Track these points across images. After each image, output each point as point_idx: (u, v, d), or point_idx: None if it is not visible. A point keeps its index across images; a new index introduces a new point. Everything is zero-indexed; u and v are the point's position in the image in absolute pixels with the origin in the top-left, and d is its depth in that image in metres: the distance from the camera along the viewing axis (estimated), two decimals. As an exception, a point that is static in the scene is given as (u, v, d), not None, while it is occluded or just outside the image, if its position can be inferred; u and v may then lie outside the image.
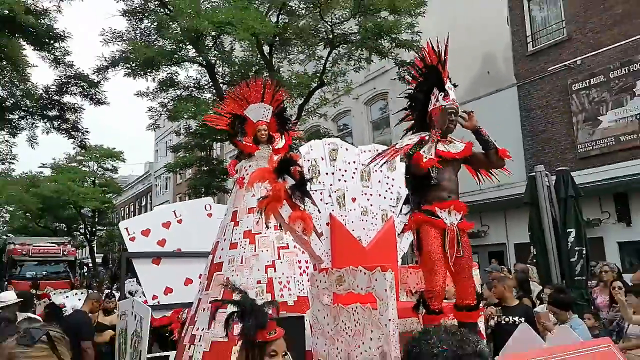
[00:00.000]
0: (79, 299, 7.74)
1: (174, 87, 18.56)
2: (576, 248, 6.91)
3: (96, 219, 33.92)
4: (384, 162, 3.47)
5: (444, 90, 3.25)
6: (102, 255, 34.72)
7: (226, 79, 18.01)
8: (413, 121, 3.53)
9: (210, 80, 17.67)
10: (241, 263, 4.42)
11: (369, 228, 3.98)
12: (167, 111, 18.63)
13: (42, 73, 38.55)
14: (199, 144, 20.68)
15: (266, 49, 16.27)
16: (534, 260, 7.57)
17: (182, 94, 18.59)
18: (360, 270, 3.01)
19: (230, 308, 2.45)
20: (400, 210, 4.15)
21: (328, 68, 16.45)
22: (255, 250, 4.44)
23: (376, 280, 2.86)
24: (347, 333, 3.09)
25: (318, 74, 16.55)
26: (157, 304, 5.49)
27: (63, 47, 18.43)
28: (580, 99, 12.05)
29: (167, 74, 18.17)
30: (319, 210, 3.72)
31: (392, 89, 17.00)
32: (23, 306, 7.16)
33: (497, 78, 14.06)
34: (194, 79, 18.92)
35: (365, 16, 15.21)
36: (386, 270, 2.86)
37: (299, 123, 17.08)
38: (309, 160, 3.77)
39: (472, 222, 3.34)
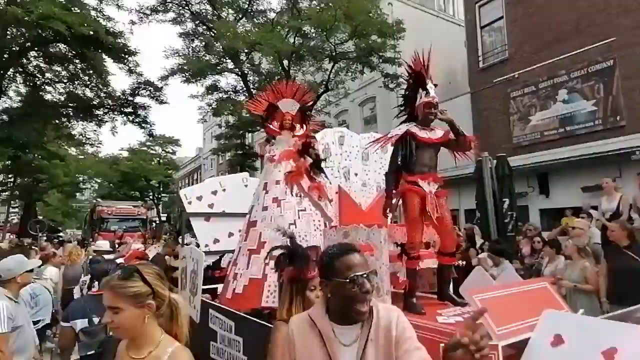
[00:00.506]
0: (158, 252, 8.09)
1: (217, 91, 19.00)
2: (509, 212, 7.23)
3: (161, 189, 34.90)
4: (379, 147, 3.52)
5: (426, 89, 3.24)
6: (165, 214, 35.76)
7: (255, 86, 18.40)
8: (406, 115, 3.46)
9: (244, 86, 18.05)
10: (270, 221, 4.47)
11: (367, 196, 4.07)
12: (212, 109, 19.11)
13: (119, 80, 39.18)
14: (235, 134, 21.21)
15: (285, 62, 16.56)
16: (478, 222, 7.66)
17: (223, 96, 19.02)
18: (361, 227, 3.13)
19: (279, 251, 2.30)
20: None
21: (331, 78, 16.72)
22: (281, 212, 4.48)
23: (373, 234, 2.99)
24: None
25: (324, 82, 16.86)
26: (208, 250, 5.69)
27: (134, 61, 18.98)
28: (517, 103, 12.23)
29: (212, 81, 18.66)
30: (330, 183, 3.83)
31: (379, 94, 17.26)
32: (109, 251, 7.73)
33: (456, 87, 14.21)
34: (231, 85, 19.32)
35: (360, 39, 15.41)
36: (381, 227, 3.05)
37: (310, 119, 17.40)
38: (322, 144, 3.91)
39: (445, 190, 3.29)
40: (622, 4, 10.03)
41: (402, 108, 3.49)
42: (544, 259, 5.55)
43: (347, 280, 1.42)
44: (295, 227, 4.33)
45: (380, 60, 15.55)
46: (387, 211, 3.24)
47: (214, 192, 6.22)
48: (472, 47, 13.49)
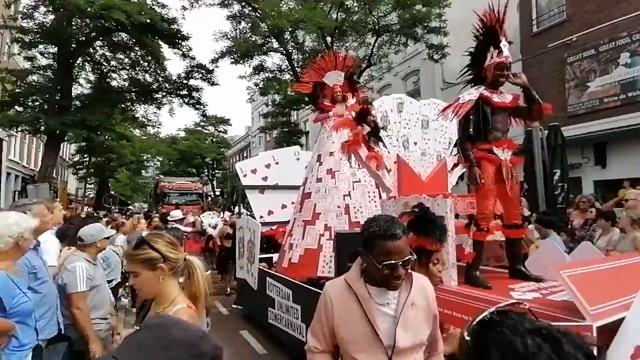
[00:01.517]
0: (212, 217, 8.77)
1: (263, 71, 19.01)
2: (559, 184, 6.82)
3: (214, 166, 36.23)
4: (453, 115, 2.96)
5: (499, 47, 2.88)
6: (219, 189, 37.21)
7: (300, 64, 18.20)
8: (472, 75, 3.14)
9: (289, 65, 17.91)
10: (325, 192, 4.42)
11: (426, 166, 3.83)
12: (259, 89, 19.22)
13: (174, 64, 40.52)
14: (281, 112, 21.29)
15: (328, 40, 16.16)
16: (525, 194, 7.11)
17: (269, 75, 19.01)
18: (424, 197, 2.89)
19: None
20: (451, 152, 3.96)
21: (374, 52, 16.14)
22: (335, 184, 4.40)
23: (438, 205, 2.76)
24: None
25: (367, 57, 16.31)
26: (263, 221, 5.82)
27: (187, 45, 19.30)
28: (574, 69, 11.19)
29: (259, 61, 18.67)
30: (388, 152, 3.58)
31: (423, 66, 16.49)
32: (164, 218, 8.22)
33: (506, 55, 13.20)
34: (277, 65, 19.24)
35: (404, 9, 14.63)
36: (447, 197, 2.82)
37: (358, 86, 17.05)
38: (381, 112, 3.60)
39: (519, 158, 3.03)
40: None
41: (467, 70, 3.15)
42: (596, 231, 5.21)
43: (381, 266, 1.40)
44: (350, 198, 4.32)
45: (425, 31, 14.75)
46: (478, 181, 2.83)
47: (268, 166, 6.29)
48: (525, 11, 12.41)
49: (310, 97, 5.26)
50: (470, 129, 2.92)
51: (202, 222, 8.77)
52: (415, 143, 3.80)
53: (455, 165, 3.89)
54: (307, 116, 24.52)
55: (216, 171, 37.05)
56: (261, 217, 6.01)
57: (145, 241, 1.63)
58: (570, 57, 11.22)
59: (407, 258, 1.42)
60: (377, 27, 15.55)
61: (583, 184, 10.73)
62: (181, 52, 19.42)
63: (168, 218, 7.31)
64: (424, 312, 1.51)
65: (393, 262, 1.39)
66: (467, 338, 0.74)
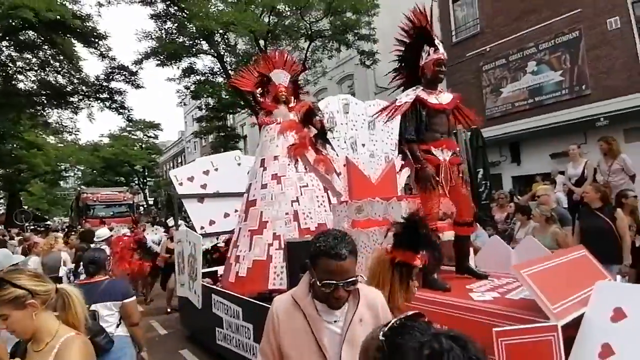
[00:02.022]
0: (155, 233, 7.95)
1: (194, 73, 18.09)
2: (483, 182, 7.23)
3: (146, 173, 33.74)
4: (388, 117, 2.96)
5: (434, 45, 2.83)
6: (152, 198, 34.76)
7: (233, 67, 17.61)
8: (404, 78, 3.08)
9: (221, 68, 17.23)
10: (271, 199, 4.15)
11: (375, 168, 3.70)
12: (191, 92, 18.25)
13: (92, 65, 37.10)
14: (216, 116, 20.46)
15: (262, 42, 15.84)
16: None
17: (201, 78, 18.15)
18: (378, 201, 2.85)
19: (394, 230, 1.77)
20: (398, 153, 3.74)
21: (308, 56, 16.14)
22: (282, 189, 4.15)
23: (392, 208, 2.75)
24: (366, 250, 2.95)
25: (301, 61, 16.22)
26: (204, 232, 5.40)
27: (106, 45, 17.81)
28: (489, 76, 12.15)
29: (188, 63, 17.71)
30: (336, 154, 3.41)
31: (357, 71, 16.86)
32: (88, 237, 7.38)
33: (430, 62, 13.94)
34: (208, 67, 18.42)
35: (335, 16, 14.84)
36: (401, 200, 2.78)
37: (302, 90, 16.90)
38: (327, 113, 3.42)
39: (459, 157, 2.99)
40: (589, -25, 9.88)
41: (397, 73, 3.11)
42: (516, 224, 5.53)
43: (321, 284, 1.35)
44: (299, 204, 4.09)
45: (356, 38, 15.07)
46: (427, 184, 2.79)
47: (206, 172, 5.82)
48: (445, 23, 13.20)
49: (247, 97, 4.95)
50: (411, 131, 2.88)
51: (145, 238, 7.94)
52: (363, 145, 3.67)
53: (402, 166, 3.90)
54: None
55: (148, 179, 34.50)
56: (202, 228, 5.53)
57: (5, 280, 1.50)
58: (485, 66, 12.16)
59: (349, 280, 1.36)
60: (309, 33, 15.57)
61: (503, 180, 11.67)
62: (99, 52, 17.83)
63: (95, 239, 6.42)
64: (374, 328, 1.38)
65: (334, 282, 1.34)
66: (382, 339, 0.78)
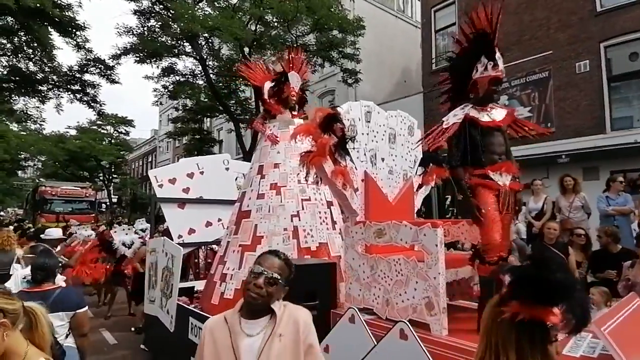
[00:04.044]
0: (126, 233, 6.88)
1: (173, 73, 17.08)
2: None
3: (112, 170, 31.37)
4: (434, 144, 2.47)
5: (494, 59, 2.40)
6: (117, 197, 32.37)
7: (215, 71, 16.79)
8: (451, 87, 2.62)
9: (202, 71, 16.35)
10: (269, 212, 3.58)
11: (393, 186, 3.24)
12: (168, 92, 17.20)
13: (67, 54, 34.57)
14: (192, 118, 19.42)
15: (246, 50, 15.19)
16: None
17: (180, 79, 17.15)
18: (405, 225, 2.40)
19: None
20: (416, 172, 3.46)
21: (291, 69, 15.68)
22: (281, 201, 3.60)
23: (424, 235, 2.28)
24: (386, 281, 2.50)
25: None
26: (182, 242, 4.67)
27: (83, 36, 16.44)
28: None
29: (169, 63, 16.70)
30: (355, 167, 2.93)
31: (339, 88, 16.59)
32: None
33: (411, 86, 13.96)
34: (189, 69, 17.44)
35: (321, 32, 14.54)
36: (437, 226, 2.26)
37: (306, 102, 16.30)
38: (348, 120, 2.92)
39: (520, 183, 2.56)
40: (561, 19, 10.16)
41: (447, 82, 2.61)
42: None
43: (250, 271, 1.50)
44: (299, 219, 3.47)
45: (340, 56, 14.77)
46: (477, 214, 2.34)
47: (190, 175, 5.04)
48: (426, 49, 13.20)
49: (256, 90, 4.35)
50: (460, 155, 2.41)
51: (111, 237, 6.88)
52: (383, 159, 3.17)
53: (420, 186, 3.45)
54: (220, 125, 22.80)
55: (114, 176, 31.98)
56: (180, 236, 4.72)
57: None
58: (461, 94, 12.20)
59: (272, 275, 1.46)
60: (295, 45, 15.11)
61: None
62: (75, 42, 16.43)
63: (42, 236, 5.42)
64: (293, 343, 1.47)
65: (260, 269, 1.47)
66: None
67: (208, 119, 22.24)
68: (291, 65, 4.00)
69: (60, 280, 2.98)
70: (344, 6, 14.59)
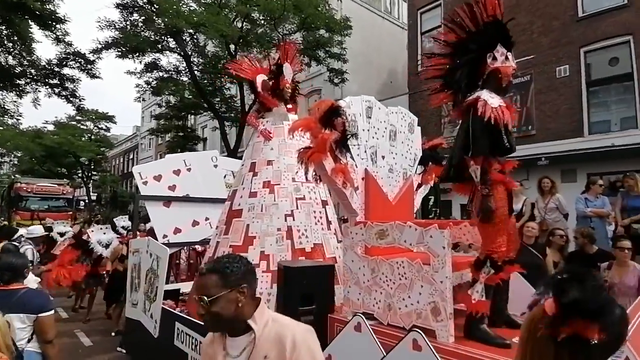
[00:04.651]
0: (104, 233, 6.40)
1: (157, 69, 16.53)
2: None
3: (92, 167, 30.17)
4: (489, 119, 2.07)
5: (511, 50, 2.24)
6: (96, 194, 31.18)
7: (200, 68, 16.34)
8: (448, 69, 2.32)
9: (187, 67, 15.87)
10: (261, 211, 3.36)
11: (393, 185, 3.07)
12: (152, 88, 16.64)
13: (46, 48, 33.11)
14: (176, 115, 18.86)
15: (232, 47, 14.83)
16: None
17: (164, 75, 16.61)
18: (410, 226, 2.23)
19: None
20: (415, 170, 3.31)
21: (278, 67, 15.43)
22: (274, 200, 3.38)
23: (431, 237, 2.11)
24: (388, 285, 2.34)
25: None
26: (167, 242, 4.37)
27: (63, 29, 15.79)
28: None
29: (152, 59, 16.14)
30: (355, 165, 2.74)
31: (325, 87, 16.42)
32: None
33: (396, 87, 13.92)
34: (173, 65, 16.93)
35: (308, 31, 14.33)
36: (444, 227, 2.11)
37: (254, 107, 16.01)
38: (349, 115, 2.73)
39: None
40: (544, 24, 10.28)
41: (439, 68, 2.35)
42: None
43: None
44: (293, 219, 3.26)
45: (327, 55, 14.61)
46: (491, 214, 2.10)
47: (177, 172, 4.74)
48: (412, 51, 13.19)
49: (250, 84, 4.12)
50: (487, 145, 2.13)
51: (89, 236, 6.44)
52: (383, 157, 2.99)
53: (419, 186, 3.31)
54: (205, 122, 22.24)
55: (93, 173, 30.71)
56: (165, 236, 4.41)
57: None
58: (446, 96, 12.23)
59: (204, 298, 1.28)
60: (281, 44, 14.86)
61: (452, 208, 11.67)
62: (55, 35, 15.72)
63: (25, 234, 5.03)
64: None
65: (196, 297, 1.33)
66: None
67: (192, 116, 21.67)
68: (286, 56, 3.78)
69: (31, 281, 2.84)
70: (331, 5, 14.42)
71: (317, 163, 2.46)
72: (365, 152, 2.86)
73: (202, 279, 1.31)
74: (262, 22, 14.86)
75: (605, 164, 8.94)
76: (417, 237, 2.20)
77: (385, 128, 3.07)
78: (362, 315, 2.14)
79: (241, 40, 14.65)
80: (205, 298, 1.26)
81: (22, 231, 5.43)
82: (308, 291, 2.60)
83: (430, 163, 3.35)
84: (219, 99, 17.18)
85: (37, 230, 5.33)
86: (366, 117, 2.91)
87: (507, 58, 2.23)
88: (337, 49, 14.32)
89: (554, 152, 9.88)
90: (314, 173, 2.62)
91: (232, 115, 17.29)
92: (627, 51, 8.76)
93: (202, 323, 1.34)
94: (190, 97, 17.44)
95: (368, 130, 2.91)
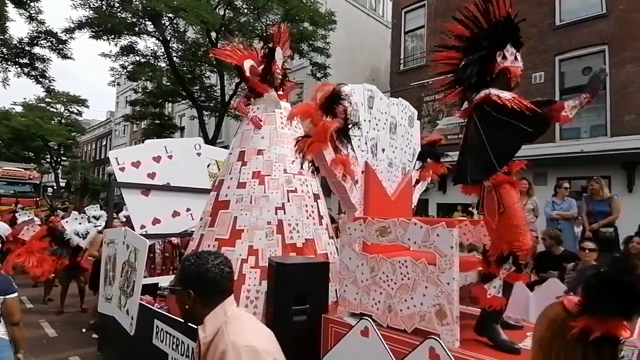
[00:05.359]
0: (79, 223, 5.90)
1: (133, 53, 15.61)
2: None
3: (61, 152, 28.40)
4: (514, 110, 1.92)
5: (519, 49, 2.15)
6: (65, 180, 29.45)
7: (179, 54, 15.60)
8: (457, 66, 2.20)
9: (165, 53, 15.10)
10: (250, 203, 3.09)
11: (392, 180, 2.84)
12: (127, 72, 15.72)
13: (17, 26, 30.82)
14: (152, 102, 17.97)
15: (213, 35, 14.24)
16: None
17: (141, 60, 15.73)
18: (415, 224, 2.06)
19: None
20: (414, 165, 3.13)
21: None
22: (265, 192, 3.12)
23: (438, 235, 1.96)
24: (389, 285, 2.16)
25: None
26: (144, 232, 4.02)
27: (37, 7, 14.63)
28: (428, 107, 12.26)
29: (128, 41, 15.22)
30: (356, 157, 2.51)
31: (307, 81, 16.08)
32: None
33: (379, 85, 13.76)
34: (151, 49, 16.04)
35: (291, 23, 13.91)
36: (453, 226, 1.94)
37: (235, 97, 15.48)
38: (351, 103, 2.47)
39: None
40: (523, 31, 10.38)
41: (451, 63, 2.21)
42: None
43: None
44: (284, 212, 3.01)
45: (310, 49, 14.28)
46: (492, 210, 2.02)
47: (157, 159, 4.37)
48: (395, 50, 13.11)
49: (189, 88, 3.80)
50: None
51: (63, 227, 5.89)
52: (383, 150, 2.77)
53: (417, 182, 3.16)
54: (183, 111, 21.35)
55: (63, 158, 28.94)
56: (143, 227, 4.02)
57: None
58: (426, 97, 12.25)
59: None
60: (264, 34, 14.40)
61: (429, 206, 11.77)
62: (28, 13, 14.55)
63: None
64: None
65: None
66: None
67: (169, 104, 20.78)
68: (278, 40, 3.53)
69: None
70: (316, -1, 14.12)
71: (317, 153, 2.21)
72: (366, 143, 2.62)
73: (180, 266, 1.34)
74: (246, 10, 14.34)
75: (574, 169, 9.23)
76: (422, 236, 2.02)
77: (387, 120, 2.83)
78: (369, 319, 1.96)
79: (223, 29, 14.08)
80: (170, 283, 1.30)
81: None
82: (301, 290, 2.40)
83: (428, 159, 3.21)
84: (198, 87, 16.50)
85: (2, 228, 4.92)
86: (368, 107, 2.68)
87: (516, 58, 2.15)
88: (321, 42, 14.02)
89: (528, 156, 10.07)
90: (310, 164, 2.40)
91: (212, 104, 16.67)
92: (600, 61, 9.01)
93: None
94: (168, 83, 16.65)
95: (369, 121, 2.68)
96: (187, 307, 1.25)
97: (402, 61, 13.08)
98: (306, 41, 14.09)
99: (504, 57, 2.12)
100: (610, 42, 8.93)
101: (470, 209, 8.04)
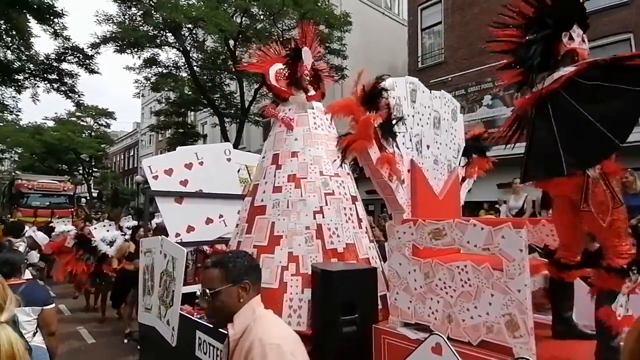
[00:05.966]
0: (107, 230, 6.00)
1: (156, 65, 15.91)
2: None
3: (92, 163, 29.27)
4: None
5: (585, 31, 1.92)
6: (97, 191, 30.32)
7: (199, 63, 15.76)
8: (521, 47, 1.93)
9: (186, 63, 15.30)
10: (287, 207, 2.92)
11: (438, 178, 2.61)
12: (151, 84, 16.02)
13: (44, 43, 32.05)
14: (176, 111, 18.25)
15: (231, 42, 14.30)
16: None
17: (163, 71, 16.00)
18: (475, 225, 1.85)
19: None
20: (459, 162, 2.88)
21: (278, 63, 14.93)
22: (301, 195, 2.95)
23: (503, 237, 1.73)
24: (447, 293, 1.93)
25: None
26: (179, 241, 3.90)
27: (62, 23, 15.07)
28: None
29: (151, 54, 15.53)
30: (401, 155, 2.28)
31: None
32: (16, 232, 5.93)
33: (396, 82, 13.51)
34: (172, 60, 16.30)
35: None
36: (521, 226, 1.72)
37: (254, 103, 15.50)
38: (393, 98, 2.24)
39: None
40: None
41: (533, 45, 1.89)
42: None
43: None
44: (323, 216, 2.82)
45: (327, 51, 14.10)
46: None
47: (188, 165, 4.26)
48: (412, 48, 12.79)
49: (210, 96, 3.66)
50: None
51: (91, 234, 5.98)
52: (428, 146, 2.53)
53: (463, 179, 2.94)
54: (205, 119, 21.57)
55: (94, 170, 29.61)
56: (177, 235, 3.93)
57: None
58: (446, 93, 11.91)
59: (205, 292, 1.26)
60: (281, 40, 14.35)
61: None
62: (53, 29, 14.98)
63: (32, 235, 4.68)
64: None
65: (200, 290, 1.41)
66: None
67: (192, 113, 21.04)
68: (304, 39, 3.31)
69: (28, 277, 2.67)
70: (330, 1, 13.94)
71: (362, 151, 2.00)
72: (411, 140, 2.37)
73: (206, 273, 1.30)
74: (262, 17, 14.33)
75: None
76: (484, 238, 1.79)
77: (430, 114, 2.62)
78: (440, 334, 1.76)
79: (240, 36, 14.13)
80: (208, 291, 1.25)
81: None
82: (349, 299, 2.22)
83: (473, 155, 2.96)
84: (218, 95, 16.63)
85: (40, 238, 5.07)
86: (411, 101, 2.45)
87: (583, 40, 1.90)
88: (337, 45, 13.86)
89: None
90: (352, 163, 2.22)
91: (232, 111, 16.77)
92: (626, 49, 8.45)
93: (208, 319, 1.30)
94: (189, 93, 16.87)
95: (413, 116, 2.45)
96: (241, 300, 1.25)
97: (419, 59, 12.75)
98: (322, 44, 13.98)
99: (571, 38, 1.87)
100: (635, 30, 8.38)
101: (497, 206, 7.65)
